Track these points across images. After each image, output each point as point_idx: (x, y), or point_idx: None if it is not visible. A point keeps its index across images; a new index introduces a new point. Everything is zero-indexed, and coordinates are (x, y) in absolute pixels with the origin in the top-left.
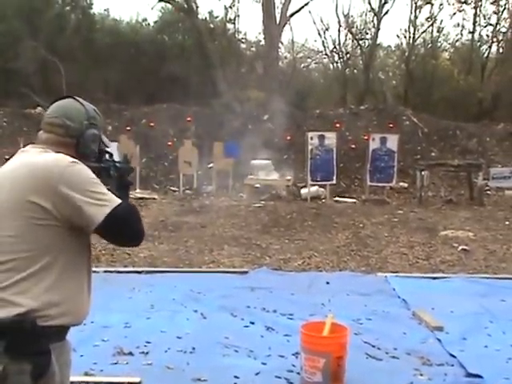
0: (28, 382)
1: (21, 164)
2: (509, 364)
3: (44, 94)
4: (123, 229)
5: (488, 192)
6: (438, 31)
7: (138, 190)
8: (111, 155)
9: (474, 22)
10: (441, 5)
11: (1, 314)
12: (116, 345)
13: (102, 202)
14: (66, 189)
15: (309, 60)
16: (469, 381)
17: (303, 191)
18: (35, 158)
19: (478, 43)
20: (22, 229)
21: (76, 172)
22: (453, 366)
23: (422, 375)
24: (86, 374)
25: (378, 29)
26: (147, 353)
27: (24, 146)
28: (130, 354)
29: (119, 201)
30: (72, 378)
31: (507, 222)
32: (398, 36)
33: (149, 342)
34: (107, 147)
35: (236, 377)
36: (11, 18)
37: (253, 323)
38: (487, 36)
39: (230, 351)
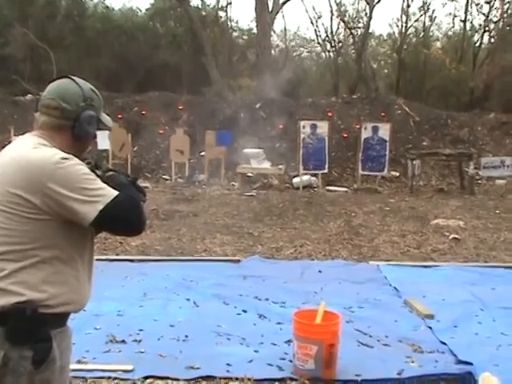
0: (29, 368)
1: (12, 158)
2: (499, 351)
3: (34, 81)
4: (118, 222)
5: (479, 181)
6: (430, 20)
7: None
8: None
9: (466, 11)
10: None
11: (1, 301)
12: (108, 333)
13: (95, 197)
14: (57, 187)
15: (301, 48)
16: (459, 368)
17: (295, 180)
18: (28, 152)
19: (470, 32)
20: (14, 222)
21: (67, 169)
22: (443, 353)
23: (413, 362)
24: (79, 362)
25: (370, 17)
26: (140, 341)
27: (15, 134)
28: (123, 341)
29: (114, 194)
30: (69, 366)
31: (497, 211)
32: (390, 25)
33: (141, 330)
34: (107, 126)
35: (228, 364)
36: (1, 5)
37: (245, 311)
38: (479, 25)
39: (223, 339)
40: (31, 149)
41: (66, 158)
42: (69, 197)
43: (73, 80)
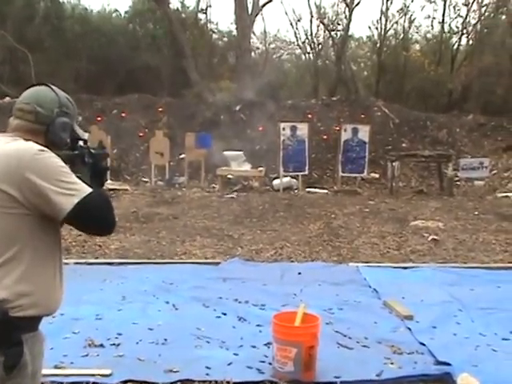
0: (1, 374)
1: None
2: (477, 351)
3: (12, 83)
4: (92, 218)
5: (457, 182)
6: (409, 23)
7: (109, 181)
8: (85, 142)
9: (444, 14)
10: None
11: None
12: (87, 337)
13: (71, 191)
14: (34, 176)
15: (281, 51)
16: (438, 368)
17: (275, 182)
18: (4, 146)
19: (448, 35)
20: None
21: (45, 160)
22: (423, 354)
23: (392, 363)
24: (56, 367)
25: (350, 20)
26: (118, 345)
27: None
28: (101, 346)
29: (89, 190)
30: (42, 371)
31: (476, 212)
32: (369, 27)
33: (120, 334)
34: (80, 138)
35: (208, 367)
36: None
37: (225, 314)
38: (457, 27)
39: (202, 342)
40: (6, 143)
41: (43, 150)
42: (46, 187)
43: (49, 87)
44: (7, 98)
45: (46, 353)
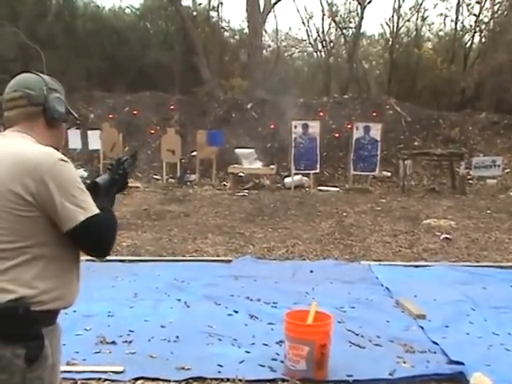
0: (22, 366)
1: (6, 156)
2: (490, 351)
3: None
4: (91, 240)
5: (470, 181)
6: (421, 20)
7: None
8: (77, 118)
9: (457, 12)
10: None
11: None
12: (99, 334)
13: (80, 208)
14: (52, 184)
15: (293, 49)
16: (451, 368)
17: (287, 180)
18: (25, 149)
19: (461, 33)
20: (5, 220)
21: (65, 171)
22: (435, 353)
23: (404, 362)
24: (68, 364)
25: (362, 17)
26: (130, 342)
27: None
28: (113, 343)
29: (96, 211)
30: (60, 364)
31: (489, 211)
32: (381, 25)
33: (132, 331)
34: (75, 117)
35: (220, 365)
36: None
37: (236, 312)
38: (470, 25)
39: (214, 340)
40: (28, 146)
41: (65, 160)
42: (57, 198)
43: (30, 72)
44: None
45: None
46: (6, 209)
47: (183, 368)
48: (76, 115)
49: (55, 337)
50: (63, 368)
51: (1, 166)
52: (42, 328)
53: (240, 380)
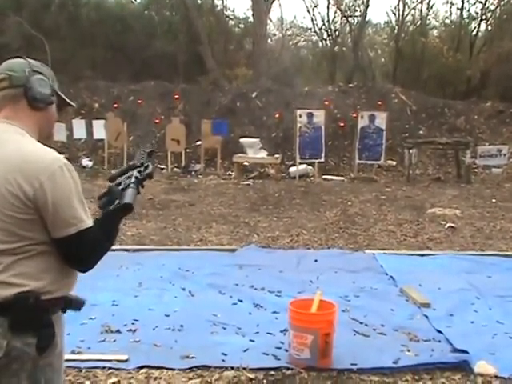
0: (33, 354)
1: (6, 154)
2: (495, 339)
3: None
4: (78, 253)
5: (475, 170)
6: (427, 8)
7: None
8: (71, 105)
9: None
10: None
11: (3, 293)
12: (103, 323)
13: (72, 219)
14: (49, 190)
15: (298, 37)
16: (455, 356)
17: (292, 169)
18: (22, 147)
19: (467, 20)
20: (7, 223)
21: (64, 178)
22: (440, 341)
23: (409, 351)
24: (73, 352)
25: (367, 6)
26: (135, 330)
27: None
28: (118, 331)
29: (89, 224)
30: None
31: (494, 200)
32: (387, 13)
33: (136, 320)
34: (69, 104)
35: (224, 354)
36: None
37: (241, 301)
38: (476, 13)
39: (218, 328)
40: (27, 145)
41: (67, 166)
42: (52, 203)
43: (19, 56)
44: None
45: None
46: (9, 212)
47: (187, 356)
48: (71, 103)
49: (61, 324)
50: (68, 357)
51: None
52: (51, 316)
53: (244, 368)
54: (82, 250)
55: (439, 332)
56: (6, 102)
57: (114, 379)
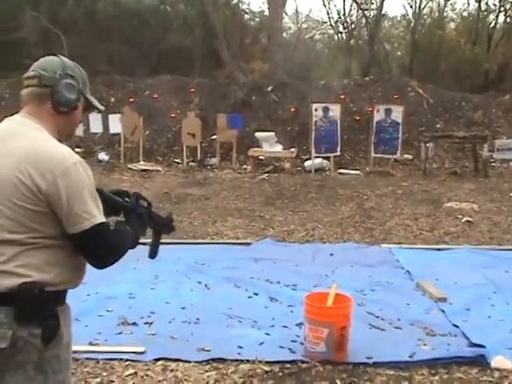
0: (39, 345)
1: (22, 148)
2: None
3: None
4: (90, 249)
5: (493, 164)
6: (444, 1)
7: (141, 162)
8: (149, 204)
9: None
10: None
11: (7, 283)
12: (120, 315)
13: (85, 214)
14: (63, 186)
15: (313, 31)
16: (472, 351)
17: (307, 163)
18: (42, 143)
19: (485, 13)
20: (18, 214)
21: (77, 174)
22: (456, 336)
23: (425, 345)
24: (91, 344)
25: None
26: (151, 323)
27: None
28: (135, 324)
29: (101, 220)
30: (77, 348)
31: (511, 194)
32: (403, 6)
33: (153, 313)
34: (97, 108)
35: (240, 347)
36: None
37: (256, 294)
38: (494, 5)
39: (234, 322)
40: (43, 141)
41: (81, 162)
42: (66, 200)
43: (56, 55)
44: None
45: (81, 330)
46: (20, 202)
47: (203, 349)
48: (99, 107)
49: (67, 316)
50: (86, 348)
51: (16, 160)
52: (56, 307)
53: (260, 361)
54: (97, 246)
55: (456, 326)
56: (32, 99)
57: (130, 371)
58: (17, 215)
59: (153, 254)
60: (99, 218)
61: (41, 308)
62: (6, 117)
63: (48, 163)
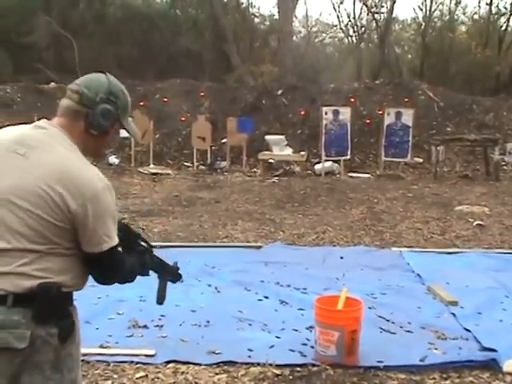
0: (56, 344)
1: (53, 164)
2: None
3: (57, 69)
4: (101, 267)
5: (504, 167)
6: (455, 3)
7: (151, 166)
8: (150, 246)
9: None
10: None
11: (27, 284)
12: (131, 318)
13: (105, 237)
14: (91, 211)
15: (323, 34)
16: (483, 354)
17: (317, 166)
18: (68, 161)
19: (496, 16)
20: (40, 225)
21: (105, 200)
22: (467, 340)
23: (436, 349)
24: (102, 347)
25: (394, 1)
26: (162, 326)
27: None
28: (145, 327)
29: (116, 241)
30: (87, 350)
31: None
32: (414, 9)
33: (163, 316)
34: (130, 133)
35: (250, 350)
36: None
37: (267, 297)
38: (505, 8)
39: (244, 325)
40: (74, 161)
41: (109, 186)
42: (91, 224)
43: (106, 75)
44: (52, 84)
45: (92, 332)
46: (43, 214)
47: (214, 352)
48: (136, 137)
49: (77, 316)
50: (96, 351)
51: (41, 167)
52: (70, 307)
53: (270, 364)
54: (109, 267)
55: (467, 330)
56: (67, 113)
57: (141, 373)
58: (40, 227)
59: (160, 300)
60: (116, 240)
61: (58, 308)
62: (19, 122)
63: (80, 186)
